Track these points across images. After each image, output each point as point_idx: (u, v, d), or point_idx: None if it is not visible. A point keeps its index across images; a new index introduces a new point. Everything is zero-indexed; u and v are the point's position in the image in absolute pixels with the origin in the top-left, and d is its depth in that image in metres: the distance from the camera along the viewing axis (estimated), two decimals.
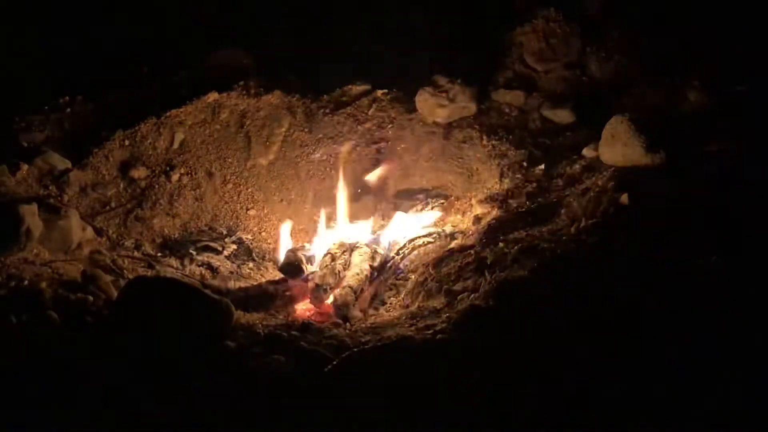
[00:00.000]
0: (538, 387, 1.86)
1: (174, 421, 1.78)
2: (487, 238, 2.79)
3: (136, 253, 3.13)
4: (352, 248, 3.17)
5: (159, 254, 3.21)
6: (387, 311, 2.79)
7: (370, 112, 3.90)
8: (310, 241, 3.44)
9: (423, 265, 2.97)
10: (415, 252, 3.23)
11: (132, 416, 1.79)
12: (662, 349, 1.92)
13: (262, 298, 2.93)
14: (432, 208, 3.55)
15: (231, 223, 3.63)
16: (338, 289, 2.85)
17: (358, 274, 2.95)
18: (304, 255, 3.14)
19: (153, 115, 3.63)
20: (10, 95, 3.62)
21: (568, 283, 2.26)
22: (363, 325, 2.47)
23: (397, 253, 3.23)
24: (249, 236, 3.56)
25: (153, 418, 1.78)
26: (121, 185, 3.47)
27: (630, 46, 3.66)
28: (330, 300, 2.84)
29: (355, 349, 2.06)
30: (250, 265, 3.31)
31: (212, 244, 3.34)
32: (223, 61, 4.03)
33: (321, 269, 3.02)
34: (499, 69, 3.91)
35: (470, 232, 3.07)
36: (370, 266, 3.05)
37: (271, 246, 3.60)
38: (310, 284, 2.94)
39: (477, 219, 3.18)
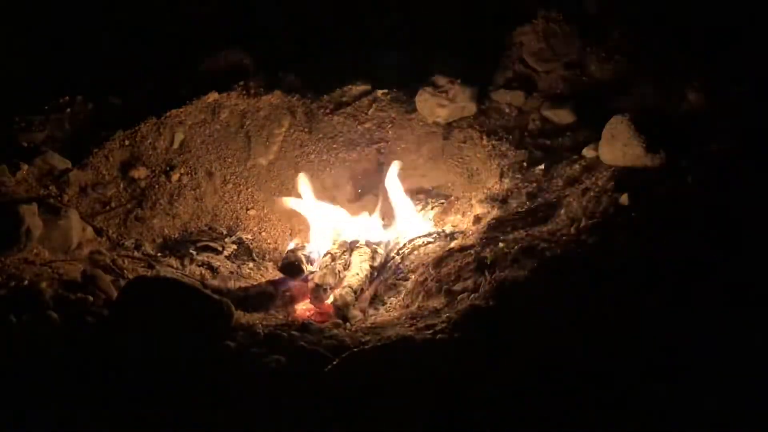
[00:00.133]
0: (538, 387, 1.86)
1: (174, 421, 1.78)
2: (487, 238, 2.79)
3: (136, 253, 3.13)
4: (352, 248, 3.17)
5: (159, 254, 3.21)
6: (387, 311, 2.79)
7: (370, 112, 3.90)
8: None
9: (423, 265, 2.97)
10: (415, 252, 3.23)
11: (132, 416, 1.79)
12: (662, 349, 1.92)
13: (262, 298, 2.93)
14: (432, 208, 3.55)
15: (231, 223, 3.64)
16: (338, 289, 2.86)
17: (358, 274, 2.96)
18: (304, 255, 3.14)
19: (153, 115, 3.63)
20: (10, 95, 3.62)
21: (568, 283, 2.26)
22: (363, 325, 2.46)
23: (397, 253, 3.23)
24: (249, 236, 3.56)
25: (153, 418, 1.78)
26: (121, 185, 3.47)
27: (630, 46, 3.66)
28: (330, 300, 2.84)
29: (355, 349, 2.06)
30: (250, 265, 3.31)
31: (212, 244, 3.35)
32: (223, 61, 4.03)
33: (321, 269, 3.02)
34: (499, 69, 3.91)
35: (470, 232, 3.07)
36: (370, 266, 3.05)
37: (271, 246, 3.60)
38: (310, 284, 2.94)
39: (477, 219, 3.18)
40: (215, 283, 3.01)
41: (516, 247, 2.54)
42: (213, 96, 3.77)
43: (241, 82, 3.89)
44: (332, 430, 1.78)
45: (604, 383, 1.85)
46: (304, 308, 2.92)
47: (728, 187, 2.52)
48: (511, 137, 3.58)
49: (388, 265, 3.18)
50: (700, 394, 1.79)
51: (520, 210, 3.02)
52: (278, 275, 3.13)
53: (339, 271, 2.98)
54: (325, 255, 3.16)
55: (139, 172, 3.52)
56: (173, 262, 3.13)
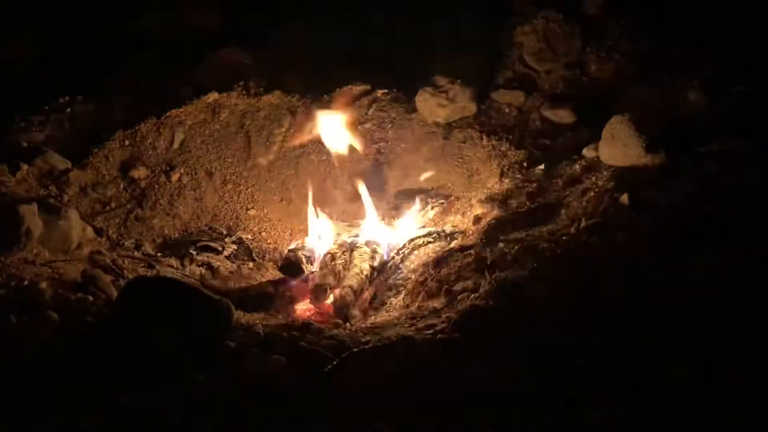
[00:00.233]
0: (538, 387, 1.86)
1: (174, 421, 1.78)
2: (487, 238, 2.79)
3: (136, 253, 3.13)
4: (352, 248, 3.17)
5: (159, 254, 3.20)
6: (387, 311, 2.79)
7: (370, 112, 3.90)
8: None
9: (423, 265, 2.97)
10: (415, 252, 3.23)
11: (132, 416, 1.78)
12: (662, 349, 1.92)
13: (262, 298, 2.93)
14: (432, 208, 3.55)
15: (231, 223, 3.64)
16: (338, 289, 2.86)
17: (358, 274, 2.95)
18: (304, 255, 3.14)
19: (153, 115, 3.63)
20: (10, 95, 3.62)
21: (568, 283, 2.26)
22: (363, 325, 2.46)
23: (397, 253, 3.23)
24: (249, 236, 3.56)
25: (153, 418, 1.78)
26: (121, 185, 3.47)
27: (630, 46, 3.66)
28: (330, 300, 2.84)
29: (355, 349, 2.06)
30: (250, 265, 3.31)
31: (212, 244, 3.34)
32: (223, 61, 4.03)
33: (321, 269, 3.02)
34: (499, 69, 3.91)
35: (470, 232, 3.07)
36: (370, 266, 3.05)
37: (271, 246, 3.60)
38: (310, 284, 2.94)
39: (477, 219, 3.18)
40: (215, 283, 3.01)
41: (516, 247, 2.54)
42: (213, 96, 3.77)
43: (241, 82, 3.89)
44: (332, 430, 1.78)
45: (604, 383, 1.85)
46: (304, 308, 2.92)
47: (728, 187, 2.52)
48: (511, 137, 3.58)
49: (388, 265, 3.18)
50: (700, 393, 1.79)
51: (520, 210, 3.02)
52: (278, 275, 3.13)
53: (339, 271, 2.98)
54: (325, 255, 3.15)
55: (139, 172, 3.52)
56: (173, 262, 3.13)
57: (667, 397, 1.78)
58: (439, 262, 2.82)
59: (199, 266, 3.14)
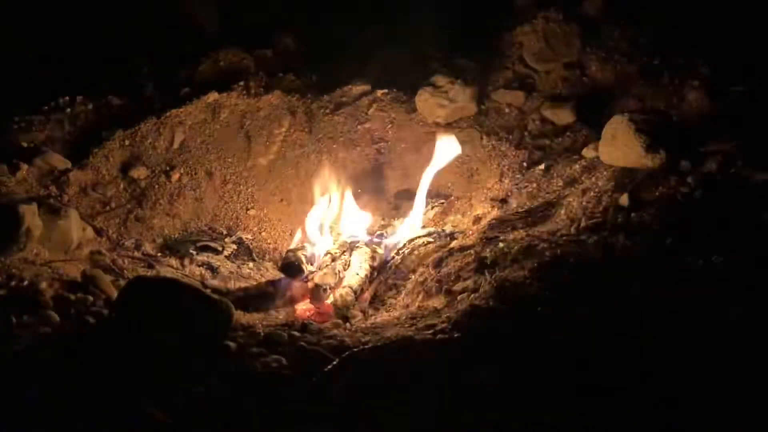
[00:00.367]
0: (538, 387, 1.86)
1: (174, 421, 1.78)
2: (487, 238, 2.79)
3: (136, 253, 3.13)
4: (352, 248, 3.17)
5: (159, 254, 3.21)
6: (387, 311, 2.79)
7: (370, 112, 3.90)
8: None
9: (423, 265, 2.97)
10: (415, 252, 3.23)
11: (132, 416, 1.78)
12: (662, 349, 1.92)
13: (262, 298, 2.93)
14: (432, 208, 3.55)
15: (231, 223, 3.64)
16: (338, 289, 2.86)
17: (358, 274, 2.96)
18: (304, 255, 3.14)
19: (153, 115, 3.63)
20: (10, 95, 3.62)
21: (567, 283, 2.26)
22: (363, 325, 2.46)
23: (397, 253, 3.23)
24: (249, 236, 3.56)
25: (153, 418, 1.78)
26: (121, 185, 3.47)
27: (630, 46, 3.66)
28: (330, 300, 2.84)
29: (355, 349, 2.06)
30: (250, 265, 3.31)
31: (212, 244, 3.34)
32: (223, 61, 4.03)
33: (321, 269, 3.02)
34: (499, 69, 3.91)
35: (470, 232, 3.07)
36: (370, 266, 3.05)
37: (271, 246, 3.60)
38: (310, 284, 2.94)
39: (477, 219, 3.18)
40: (215, 283, 3.01)
41: (516, 247, 2.55)
42: (213, 96, 3.77)
43: (241, 82, 3.89)
44: (332, 430, 1.78)
45: (604, 383, 1.85)
46: (304, 308, 2.92)
47: (728, 187, 2.52)
48: (511, 137, 3.59)
49: (388, 265, 3.18)
50: (700, 393, 1.79)
51: (520, 210, 3.02)
52: (278, 275, 3.13)
53: (339, 271, 2.98)
54: (325, 255, 3.15)
55: (139, 172, 3.52)
56: (173, 262, 3.13)
57: (667, 397, 1.78)
58: (439, 262, 2.82)
59: (199, 266, 3.14)
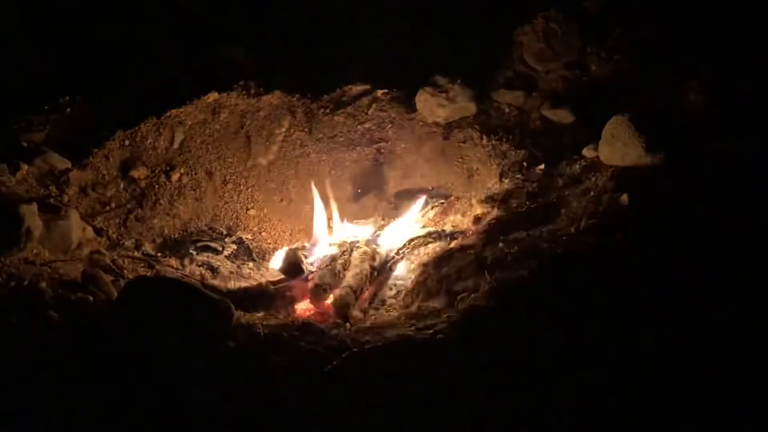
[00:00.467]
0: (538, 387, 1.86)
1: (174, 421, 1.78)
2: (487, 238, 2.79)
3: (136, 253, 3.13)
4: (352, 248, 3.17)
5: (159, 254, 3.20)
6: (387, 311, 2.79)
7: (370, 112, 3.90)
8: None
9: (423, 265, 2.97)
10: (415, 252, 3.23)
11: (132, 416, 1.79)
12: (662, 349, 1.92)
13: (262, 298, 2.93)
14: (432, 208, 3.55)
15: (231, 223, 3.64)
16: (338, 289, 2.85)
17: (358, 274, 2.95)
18: (304, 255, 3.14)
19: (153, 115, 3.63)
20: (10, 95, 3.62)
21: (567, 283, 2.26)
22: (363, 325, 2.47)
23: (397, 253, 3.23)
24: (249, 236, 3.56)
25: (153, 419, 1.78)
26: (121, 185, 3.47)
27: (630, 46, 3.66)
28: (330, 300, 2.84)
29: (355, 349, 2.06)
30: (250, 265, 3.31)
31: (212, 244, 3.34)
32: (223, 61, 4.03)
33: (321, 269, 3.02)
34: (499, 69, 3.91)
35: (470, 232, 3.07)
36: (370, 266, 3.05)
37: (271, 246, 3.60)
38: (310, 284, 2.94)
39: (477, 219, 3.18)
40: (215, 283, 3.01)
41: (516, 247, 2.55)
42: (213, 96, 3.76)
43: (241, 82, 3.88)
44: (332, 430, 1.78)
45: (603, 383, 1.86)
46: (304, 308, 2.92)
47: (728, 187, 2.52)
48: (511, 137, 3.58)
49: (388, 265, 3.18)
50: (700, 393, 1.79)
51: (520, 210, 3.02)
52: (278, 275, 3.13)
53: (339, 271, 2.97)
54: (324, 255, 3.15)
55: (139, 172, 3.52)
56: (173, 262, 3.13)
57: (667, 397, 1.79)
58: (439, 262, 2.82)
59: (199, 266, 3.14)
